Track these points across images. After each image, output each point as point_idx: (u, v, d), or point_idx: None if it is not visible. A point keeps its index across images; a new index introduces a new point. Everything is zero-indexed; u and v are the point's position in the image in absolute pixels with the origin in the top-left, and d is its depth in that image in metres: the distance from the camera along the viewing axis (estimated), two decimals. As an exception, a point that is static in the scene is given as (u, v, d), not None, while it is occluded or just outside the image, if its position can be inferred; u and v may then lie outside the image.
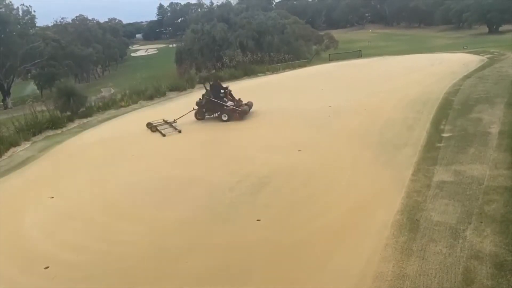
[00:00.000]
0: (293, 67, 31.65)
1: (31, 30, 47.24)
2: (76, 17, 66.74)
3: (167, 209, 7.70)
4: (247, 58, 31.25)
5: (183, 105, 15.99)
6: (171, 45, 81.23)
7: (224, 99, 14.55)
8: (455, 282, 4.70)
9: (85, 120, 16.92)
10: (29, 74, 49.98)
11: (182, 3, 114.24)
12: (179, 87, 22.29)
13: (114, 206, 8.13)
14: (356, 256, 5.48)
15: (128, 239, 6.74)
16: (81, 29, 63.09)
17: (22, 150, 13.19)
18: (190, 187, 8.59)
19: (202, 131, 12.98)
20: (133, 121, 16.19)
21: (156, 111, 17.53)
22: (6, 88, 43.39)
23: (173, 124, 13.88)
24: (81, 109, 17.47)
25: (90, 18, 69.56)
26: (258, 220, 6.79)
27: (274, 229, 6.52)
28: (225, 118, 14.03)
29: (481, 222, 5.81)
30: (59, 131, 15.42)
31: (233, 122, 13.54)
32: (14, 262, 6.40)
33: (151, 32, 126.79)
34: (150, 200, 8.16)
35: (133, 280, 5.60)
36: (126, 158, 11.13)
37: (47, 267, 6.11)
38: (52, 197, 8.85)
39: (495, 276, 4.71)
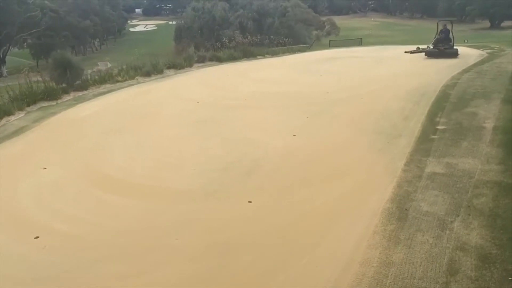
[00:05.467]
0: (293, 51, 31.40)
1: (30, -1, 46.42)
2: (75, -13, 65.40)
3: (159, 186, 7.73)
4: (246, 39, 30.93)
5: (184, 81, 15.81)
6: (170, 22, 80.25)
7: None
8: (439, 271, 4.78)
9: (80, 93, 16.78)
10: (25, 44, 49.26)
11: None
12: (177, 65, 22.11)
13: (107, 179, 8.14)
14: (344, 242, 5.54)
15: (120, 213, 6.78)
16: (80, 0, 61.95)
17: (15, 119, 13.10)
18: (184, 164, 8.62)
19: (198, 111, 12.92)
20: (129, 96, 16.08)
21: (153, 87, 17.45)
22: (1, 56, 42.78)
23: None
24: (77, 82, 17.31)
25: (89, -11, 68.18)
26: (249, 202, 6.84)
27: (265, 211, 6.58)
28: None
29: (469, 215, 5.90)
30: (54, 103, 15.31)
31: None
32: (4, 230, 6.41)
33: (151, 7, 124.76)
34: (143, 176, 8.18)
35: (122, 254, 5.64)
36: (120, 133, 11.10)
37: (37, 237, 6.14)
38: (45, 168, 8.85)
39: (479, 267, 4.80)
